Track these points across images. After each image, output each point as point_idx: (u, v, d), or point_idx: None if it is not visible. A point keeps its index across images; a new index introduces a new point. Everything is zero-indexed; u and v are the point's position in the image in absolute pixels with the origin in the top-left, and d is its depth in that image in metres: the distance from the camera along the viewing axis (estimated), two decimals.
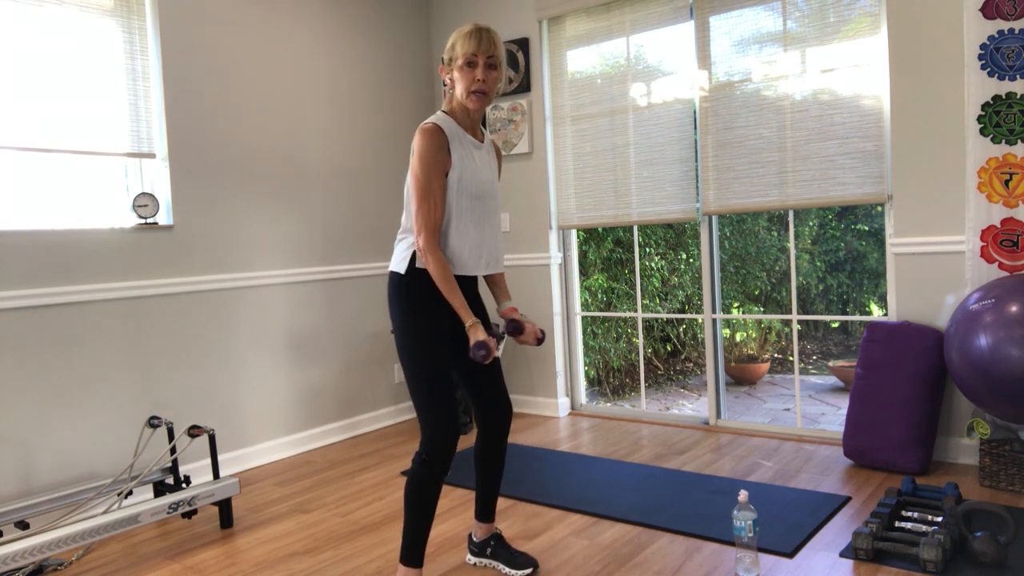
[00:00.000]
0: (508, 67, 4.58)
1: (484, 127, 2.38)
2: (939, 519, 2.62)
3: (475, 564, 2.58)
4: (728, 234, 6.43)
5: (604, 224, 4.39)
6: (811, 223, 6.47)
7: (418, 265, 2.21)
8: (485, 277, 2.44)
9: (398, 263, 2.25)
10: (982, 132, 3.10)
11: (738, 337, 6.32)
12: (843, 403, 5.17)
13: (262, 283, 3.96)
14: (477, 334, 2.12)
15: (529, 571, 2.46)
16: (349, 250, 4.45)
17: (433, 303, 2.23)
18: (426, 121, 2.21)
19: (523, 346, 4.68)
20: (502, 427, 2.44)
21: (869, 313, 6.47)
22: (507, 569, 2.49)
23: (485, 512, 2.53)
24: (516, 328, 2.35)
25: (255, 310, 3.93)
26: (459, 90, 2.22)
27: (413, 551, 2.23)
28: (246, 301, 3.89)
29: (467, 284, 2.36)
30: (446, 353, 2.23)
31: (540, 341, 2.37)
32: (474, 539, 2.57)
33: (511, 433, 4.24)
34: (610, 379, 6.01)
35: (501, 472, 2.51)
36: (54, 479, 3.16)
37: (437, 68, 2.28)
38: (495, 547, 2.53)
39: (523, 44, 4.52)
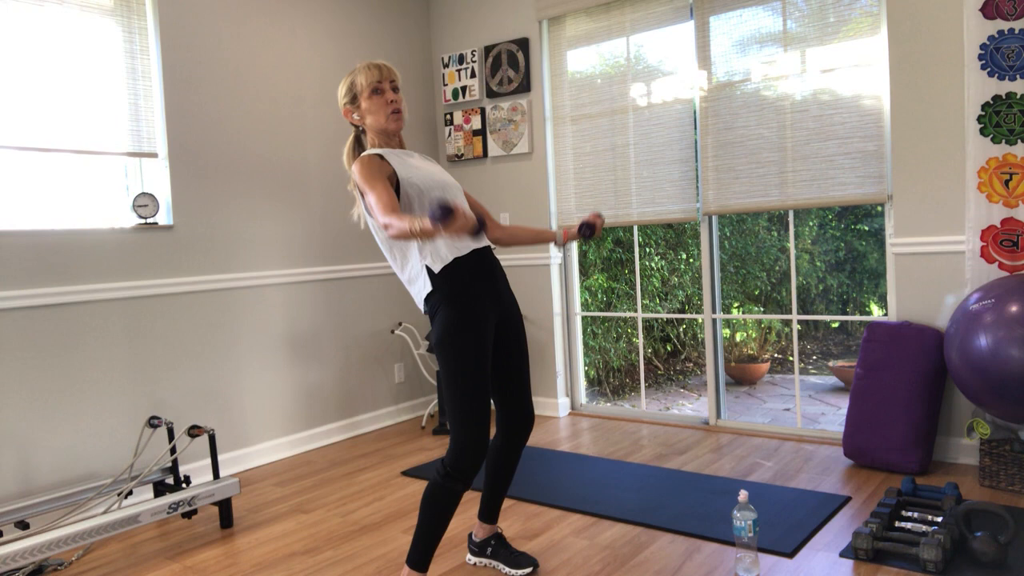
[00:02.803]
0: (508, 67, 4.58)
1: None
2: (939, 519, 2.62)
3: (475, 564, 2.58)
4: (728, 234, 6.43)
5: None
6: (811, 223, 6.47)
7: (436, 271, 2.17)
8: (514, 235, 2.51)
9: (422, 286, 2.21)
10: (982, 132, 3.10)
11: (738, 337, 6.32)
12: (843, 403, 5.17)
13: (262, 283, 3.96)
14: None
15: (529, 571, 2.46)
16: (349, 250, 4.45)
17: (474, 297, 2.19)
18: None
19: None
20: (523, 435, 2.44)
21: (869, 313, 6.47)
22: (507, 569, 2.49)
23: (490, 513, 2.53)
24: (590, 230, 2.40)
25: (255, 310, 3.93)
26: (376, 118, 2.27)
27: (422, 557, 2.22)
28: (246, 301, 3.89)
29: (491, 264, 2.30)
30: (488, 367, 2.20)
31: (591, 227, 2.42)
32: (474, 539, 2.57)
33: None
34: (610, 379, 6.01)
35: (512, 476, 2.51)
36: (54, 479, 3.16)
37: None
38: (495, 547, 2.53)
39: (523, 44, 4.52)
